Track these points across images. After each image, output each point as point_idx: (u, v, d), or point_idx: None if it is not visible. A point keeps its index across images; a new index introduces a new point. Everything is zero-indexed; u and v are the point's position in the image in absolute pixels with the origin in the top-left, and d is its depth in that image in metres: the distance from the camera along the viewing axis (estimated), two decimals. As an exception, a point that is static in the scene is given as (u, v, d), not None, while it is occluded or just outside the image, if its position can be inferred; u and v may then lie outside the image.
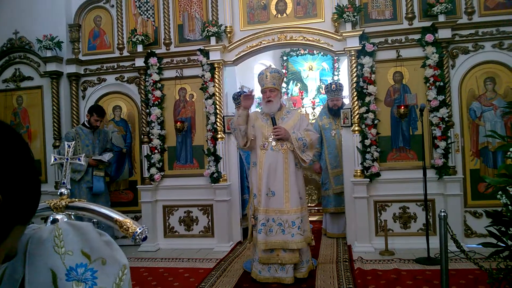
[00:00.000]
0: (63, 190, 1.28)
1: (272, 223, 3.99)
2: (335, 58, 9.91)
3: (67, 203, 1.22)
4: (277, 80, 4.21)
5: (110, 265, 1.06)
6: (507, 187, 1.66)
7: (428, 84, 5.04)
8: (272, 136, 4.02)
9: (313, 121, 9.43)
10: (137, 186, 5.84)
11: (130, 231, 1.14)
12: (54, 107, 5.81)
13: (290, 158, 4.03)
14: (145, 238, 1.14)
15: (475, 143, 5.07)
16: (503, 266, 1.87)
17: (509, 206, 1.65)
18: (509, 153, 1.70)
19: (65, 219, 1.16)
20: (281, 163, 4.01)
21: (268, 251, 4.01)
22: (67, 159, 1.71)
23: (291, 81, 10.76)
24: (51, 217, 1.19)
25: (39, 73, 5.92)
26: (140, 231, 1.13)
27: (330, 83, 6.21)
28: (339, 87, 5.92)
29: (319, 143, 6.01)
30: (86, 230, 1.05)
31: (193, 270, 4.66)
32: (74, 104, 5.96)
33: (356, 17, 5.11)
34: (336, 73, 10.59)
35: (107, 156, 5.35)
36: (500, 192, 1.70)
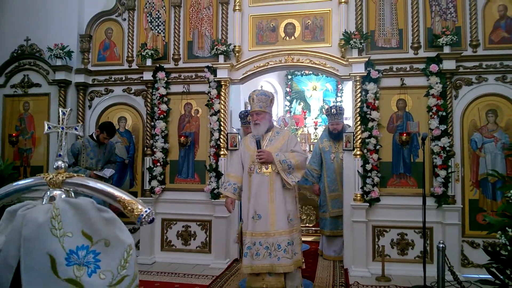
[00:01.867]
0: (59, 163, 1.12)
1: (259, 246, 3.92)
2: (338, 80, 10.03)
3: (64, 178, 1.07)
4: (263, 102, 4.14)
5: (114, 246, 0.97)
6: (507, 228, 1.70)
7: (430, 113, 5.12)
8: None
9: (315, 140, 9.51)
10: (137, 198, 5.84)
11: (136, 213, 1.01)
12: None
13: (276, 180, 3.97)
14: (151, 221, 1.02)
15: (475, 174, 5.12)
16: (499, 303, 1.90)
17: (508, 247, 1.69)
18: (509, 194, 1.75)
19: (63, 196, 1.05)
20: (266, 186, 3.97)
21: (254, 275, 3.99)
22: (62, 128, 1.42)
23: (295, 99, 10.87)
24: (48, 194, 1.06)
25: (47, 80, 6.00)
26: (146, 213, 1.01)
27: (331, 107, 6.26)
28: (339, 111, 5.95)
29: (318, 166, 6.06)
30: (86, 209, 0.95)
31: (189, 286, 4.66)
32: (80, 113, 6.03)
33: (362, 44, 5.21)
34: (339, 94, 10.71)
35: (108, 173, 5.31)
36: (499, 232, 1.74)
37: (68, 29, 6.01)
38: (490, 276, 2.02)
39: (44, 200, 1.04)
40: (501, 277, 1.82)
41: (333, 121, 5.97)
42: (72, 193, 1.07)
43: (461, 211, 5.06)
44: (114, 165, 5.61)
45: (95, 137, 5.34)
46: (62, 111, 1.27)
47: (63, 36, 5.93)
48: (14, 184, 1.11)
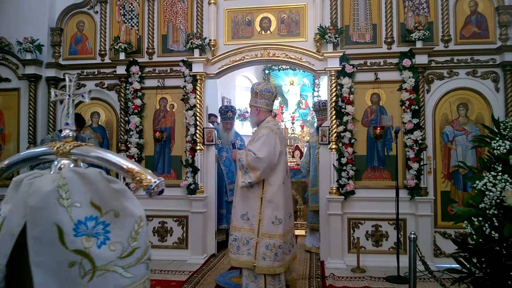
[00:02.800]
0: (67, 131, 1.12)
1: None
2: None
3: (72, 147, 1.04)
4: (250, 97, 4.06)
5: (124, 217, 0.94)
6: (472, 218, 1.75)
7: (403, 107, 5.21)
8: None
9: (293, 135, 9.56)
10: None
11: (144, 183, 0.97)
12: (31, 111, 5.71)
13: (238, 179, 3.91)
14: (161, 192, 0.98)
15: (447, 166, 5.24)
16: (468, 290, 1.96)
17: (474, 236, 1.73)
18: (474, 184, 1.79)
19: (71, 165, 1.03)
20: (236, 183, 3.99)
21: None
22: (69, 95, 1.37)
23: (272, 94, 10.85)
24: (56, 163, 1.03)
25: (17, 75, 5.81)
26: (156, 183, 0.96)
27: (317, 103, 6.31)
28: (323, 107, 5.95)
29: (309, 159, 6.13)
30: (94, 179, 0.93)
31: (165, 282, 4.62)
32: (51, 108, 5.87)
33: (337, 38, 5.24)
34: (316, 89, 10.78)
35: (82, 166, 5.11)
36: (466, 222, 1.78)
37: (39, 22, 5.82)
38: (459, 266, 2.07)
39: (52, 169, 1.01)
40: (468, 265, 1.87)
41: (319, 117, 6.04)
42: (81, 163, 1.05)
43: (433, 202, 5.18)
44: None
45: None
46: (68, 77, 1.22)
47: (33, 29, 5.75)
48: (22, 153, 1.12)
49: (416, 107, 5.15)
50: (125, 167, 1.00)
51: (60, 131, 4.91)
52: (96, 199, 0.93)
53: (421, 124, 5.16)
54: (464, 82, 5.23)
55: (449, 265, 4.82)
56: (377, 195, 5.25)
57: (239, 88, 10.68)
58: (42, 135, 5.78)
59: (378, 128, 5.17)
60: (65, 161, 1.02)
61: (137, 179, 0.98)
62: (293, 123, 9.74)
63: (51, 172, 1.00)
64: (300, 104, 10.86)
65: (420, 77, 5.19)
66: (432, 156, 5.25)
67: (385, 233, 5.27)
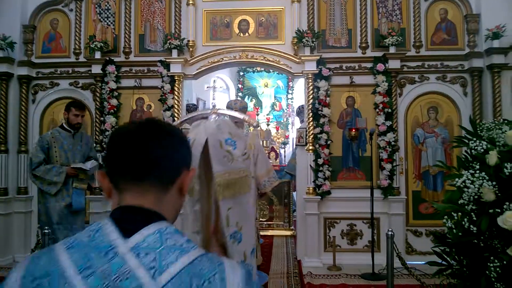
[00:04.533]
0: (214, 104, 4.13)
1: None
2: (290, 77, 10.25)
3: (216, 110, 3.02)
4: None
5: (240, 140, 2.77)
6: (452, 213, 1.86)
7: (377, 110, 5.38)
8: None
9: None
10: (87, 197, 5.65)
11: (253, 122, 3.46)
12: (1, 110, 5.53)
13: None
14: (257, 125, 2.77)
15: (418, 167, 5.46)
16: (445, 283, 2.08)
17: (454, 230, 1.85)
18: (454, 182, 1.91)
19: (216, 117, 2.88)
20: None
21: None
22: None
23: (247, 96, 10.94)
24: (212, 116, 2.92)
25: (-13, 73, 5.61)
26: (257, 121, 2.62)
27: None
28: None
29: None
30: (230, 123, 2.75)
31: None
32: (23, 107, 5.71)
33: (314, 42, 5.37)
34: (290, 91, 10.92)
35: (89, 164, 4.44)
36: (446, 217, 1.90)
37: (11, 19, 5.63)
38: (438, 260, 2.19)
39: (211, 118, 2.81)
40: (447, 258, 1.99)
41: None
42: (221, 117, 2.93)
43: (405, 202, 5.38)
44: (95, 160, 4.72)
45: (65, 124, 4.49)
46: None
47: (5, 26, 5.56)
48: (190, 114, 3.49)
49: (389, 110, 5.34)
50: (241, 117, 3.28)
51: (61, 127, 4.48)
52: (232, 131, 2.70)
53: (393, 127, 5.35)
54: (434, 86, 5.46)
55: (421, 262, 5.03)
56: (352, 195, 5.39)
57: (213, 89, 10.69)
58: (13, 135, 5.64)
59: (353, 130, 5.31)
60: (213, 116, 2.87)
61: (251, 122, 3.45)
62: (268, 125, 9.83)
63: (212, 119, 2.81)
64: (275, 106, 10.99)
65: (393, 81, 5.38)
66: (404, 157, 5.44)
67: (360, 231, 5.42)
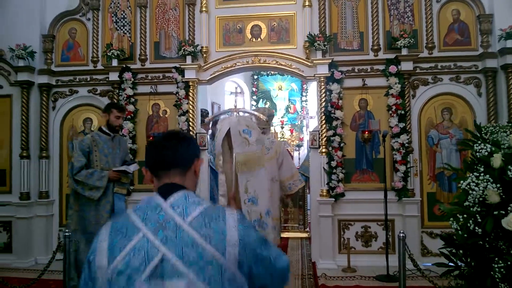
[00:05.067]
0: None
1: None
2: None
3: (237, 110, 3.79)
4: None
5: (254, 130, 3.48)
6: (458, 215, 1.90)
7: (390, 112, 5.39)
8: None
9: (283, 139, 9.71)
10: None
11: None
12: (23, 117, 5.74)
13: None
14: None
15: (432, 168, 5.44)
16: (453, 284, 2.11)
17: (459, 231, 1.88)
18: (459, 184, 1.94)
19: (237, 115, 3.72)
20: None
21: None
22: None
23: (261, 99, 11.03)
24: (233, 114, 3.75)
25: (9, 81, 5.83)
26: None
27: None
28: None
29: None
30: (247, 118, 3.57)
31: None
32: (44, 114, 5.91)
33: (326, 46, 5.41)
34: (304, 94, 10.96)
35: (132, 167, 4.27)
36: (451, 219, 1.93)
37: (30, 29, 5.86)
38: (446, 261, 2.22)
39: (232, 115, 3.69)
40: (454, 259, 2.02)
41: None
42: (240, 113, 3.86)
43: (420, 203, 5.37)
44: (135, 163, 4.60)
45: (104, 128, 4.27)
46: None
47: (25, 36, 5.78)
48: (219, 112, 5.13)
49: (402, 112, 5.34)
50: (254, 113, 4.00)
51: (100, 130, 4.27)
52: (247, 123, 3.51)
53: (407, 128, 5.35)
54: (448, 87, 5.44)
55: (434, 265, 5.02)
56: (366, 197, 5.41)
57: (228, 94, 10.81)
58: (34, 141, 5.83)
59: (366, 132, 5.33)
60: (235, 113, 3.66)
61: (261, 117, 3.93)
62: (282, 128, 9.89)
63: (234, 115, 3.67)
64: (289, 109, 11.04)
65: (406, 83, 5.38)
66: (418, 158, 5.43)
67: (374, 233, 5.43)
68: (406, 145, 5.32)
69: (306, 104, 10.93)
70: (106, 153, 4.17)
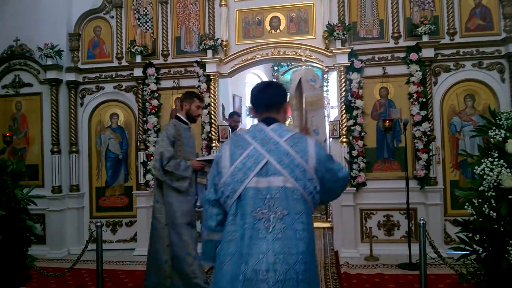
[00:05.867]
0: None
1: None
2: (325, 70, 10.24)
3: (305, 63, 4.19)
4: None
5: (318, 79, 3.12)
6: (473, 199, 1.94)
7: (411, 100, 5.36)
8: None
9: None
10: (133, 192, 6.04)
11: None
12: (53, 114, 5.99)
13: None
14: None
15: (455, 156, 5.39)
16: (471, 269, 2.14)
17: (475, 216, 1.92)
18: (474, 170, 1.98)
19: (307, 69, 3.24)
20: None
21: None
22: None
23: (282, 91, 11.04)
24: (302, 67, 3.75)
25: (38, 80, 6.09)
26: None
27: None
28: None
29: None
30: (312, 71, 3.16)
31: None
32: (72, 111, 6.15)
33: (345, 35, 5.41)
34: (325, 84, 10.90)
35: (212, 156, 4.12)
36: (467, 204, 1.97)
37: (57, 29, 6.09)
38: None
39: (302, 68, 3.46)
40: (470, 243, 2.06)
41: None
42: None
43: (443, 191, 5.34)
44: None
45: (183, 117, 4.08)
46: None
47: (52, 35, 6.01)
48: (296, 69, 3.96)
49: (424, 100, 5.31)
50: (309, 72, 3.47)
51: (177, 118, 4.02)
52: (313, 74, 3.16)
53: (429, 116, 5.32)
54: (470, 73, 5.36)
55: (459, 252, 5.01)
56: (388, 186, 5.41)
57: (249, 86, 10.89)
58: (64, 137, 6.08)
59: (387, 121, 5.31)
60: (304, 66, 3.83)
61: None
62: (303, 118, 9.91)
63: (303, 68, 3.33)
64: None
65: (427, 70, 5.34)
66: (441, 146, 5.40)
67: (397, 222, 5.44)
68: (428, 133, 5.29)
69: (327, 94, 10.88)
70: (186, 143, 4.00)
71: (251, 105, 2.10)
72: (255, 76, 11.00)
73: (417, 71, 5.32)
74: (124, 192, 6.20)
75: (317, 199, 1.91)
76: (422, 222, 3.35)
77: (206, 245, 2.02)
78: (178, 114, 4.10)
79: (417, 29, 5.29)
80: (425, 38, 5.29)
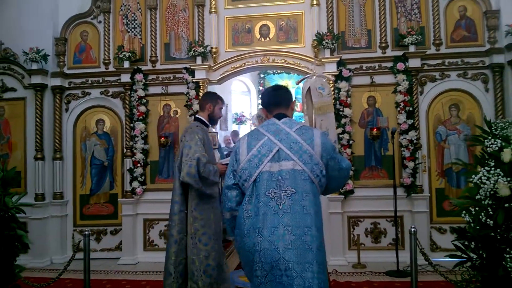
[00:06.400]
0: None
1: None
2: (311, 78, 10.34)
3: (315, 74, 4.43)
4: None
5: (327, 87, 4.21)
6: (470, 208, 1.97)
7: (398, 109, 5.45)
8: None
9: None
10: (118, 200, 5.94)
11: None
12: (37, 119, 5.85)
13: None
14: None
15: (441, 164, 5.49)
16: (466, 276, 2.17)
17: (472, 224, 1.95)
18: (471, 179, 2.01)
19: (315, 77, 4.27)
20: None
21: None
22: None
23: (268, 98, 11.08)
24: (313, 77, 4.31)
25: (23, 84, 5.95)
26: None
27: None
28: None
29: None
30: (322, 79, 4.24)
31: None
32: (57, 116, 6.02)
33: (334, 44, 5.48)
34: (311, 92, 10.97)
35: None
36: (464, 212, 2.00)
37: (43, 33, 5.98)
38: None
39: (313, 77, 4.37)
40: (467, 251, 2.09)
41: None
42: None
43: (429, 199, 5.42)
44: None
45: (204, 119, 3.76)
46: None
47: (37, 39, 5.90)
48: (307, 76, 4.54)
49: (410, 109, 5.40)
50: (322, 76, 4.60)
51: (199, 120, 3.65)
52: (321, 83, 4.25)
53: (415, 125, 5.40)
54: (455, 83, 5.49)
55: (445, 259, 5.06)
56: (375, 194, 5.47)
57: (234, 93, 10.89)
58: (48, 143, 5.94)
59: (375, 129, 5.39)
60: (314, 77, 4.35)
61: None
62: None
63: (314, 78, 4.31)
64: (295, 107, 11.09)
65: (414, 80, 5.44)
66: (427, 155, 5.49)
67: (384, 230, 5.49)
68: (415, 141, 5.37)
69: (313, 102, 10.97)
70: (209, 146, 3.67)
71: (262, 106, 2.53)
72: (242, 83, 11.03)
73: (404, 80, 5.41)
74: (109, 200, 6.09)
75: (323, 182, 2.22)
76: (413, 230, 3.38)
77: (231, 222, 2.35)
78: (199, 116, 3.78)
79: (404, 40, 5.39)
80: (412, 49, 5.39)
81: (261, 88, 11.14)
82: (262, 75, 11.12)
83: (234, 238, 2.28)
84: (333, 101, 5.03)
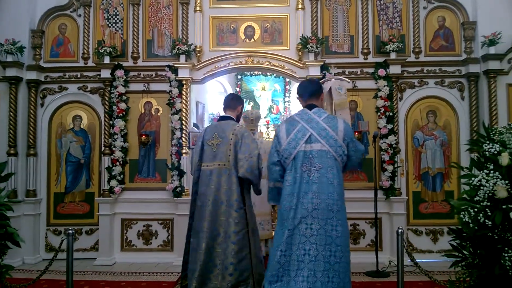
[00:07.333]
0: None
1: None
2: (287, 80, 10.48)
3: (332, 77, 4.97)
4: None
5: (344, 87, 4.85)
6: (469, 209, 2.05)
7: (379, 113, 5.59)
8: None
9: (269, 139, 9.81)
10: (95, 199, 5.77)
11: None
12: (11, 114, 5.60)
13: None
14: None
15: (418, 168, 5.67)
16: (461, 275, 2.26)
17: (470, 224, 2.03)
18: (471, 180, 2.10)
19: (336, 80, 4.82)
20: None
21: None
22: None
23: (244, 99, 11.09)
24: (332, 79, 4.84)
25: (-4, 77, 5.69)
26: None
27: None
28: None
29: None
30: (340, 81, 4.86)
31: (156, 283, 4.71)
32: (32, 111, 5.79)
33: (318, 48, 5.56)
34: (287, 94, 11.12)
35: None
36: (463, 213, 2.08)
37: (19, 24, 5.72)
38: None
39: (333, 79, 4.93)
40: (463, 251, 2.17)
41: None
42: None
43: (406, 202, 5.59)
44: None
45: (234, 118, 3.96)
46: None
47: (13, 31, 5.64)
48: (328, 77, 5.09)
49: (390, 114, 5.55)
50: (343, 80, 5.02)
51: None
52: (340, 84, 4.87)
53: (394, 129, 5.56)
54: (433, 91, 5.69)
55: (420, 260, 5.22)
56: (355, 196, 5.54)
57: (211, 93, 10.83)
58: (22, 138, 5.71)
59: (356, 133, 5.45)
60: (333, 79, 4.93)
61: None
62: (267, 127, 10.01)
63: (333, 80, 4.88)
64: (272, 109, 11.17)
65: (394, 86, 5.59)
66: (405, 159, 5.66)
67: (363, 231, 5.61)
68: (394, 145, 5.52)
69: (289, 104, 11.10)
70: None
71: (298, 95, 3.30)
72: (218, 83, 10.97)
73: (384, 86, 5.56)
74: (85, 198, 5.90)
75: (345, 160, 3.04)
76: (400, 231, 3.48)
77: (272, 191, 3.20)
78: (232, 116, 3.89)
79: (386, 47, 5.54)
80: (393, 56, 5.55)
81: (237, 89, 11.14)
82: (239, 76, 11.13)
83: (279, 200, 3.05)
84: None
